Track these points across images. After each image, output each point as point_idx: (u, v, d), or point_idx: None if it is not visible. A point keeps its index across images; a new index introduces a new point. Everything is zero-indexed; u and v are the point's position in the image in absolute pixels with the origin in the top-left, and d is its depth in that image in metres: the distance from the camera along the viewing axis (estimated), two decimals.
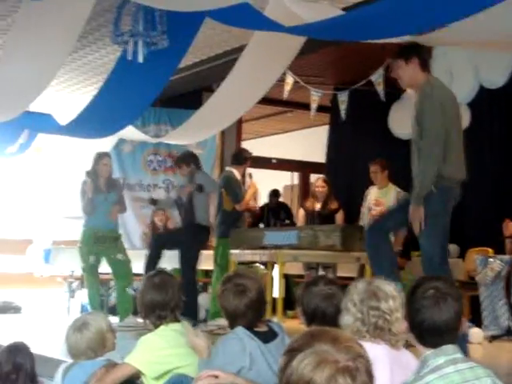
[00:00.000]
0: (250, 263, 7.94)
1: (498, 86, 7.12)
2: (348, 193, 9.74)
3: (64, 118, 7.33)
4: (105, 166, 7.49)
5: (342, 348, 1.48)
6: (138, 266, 7.52)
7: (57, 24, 5.42)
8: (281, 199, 10.36)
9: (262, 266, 8.18)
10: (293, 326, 6.04)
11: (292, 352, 1.51)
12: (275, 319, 6.02)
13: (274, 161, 12.42)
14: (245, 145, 10.54)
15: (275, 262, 7.27)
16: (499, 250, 7.13)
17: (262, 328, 3.13)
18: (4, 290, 9.42)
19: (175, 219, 8.85)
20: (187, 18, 5.19)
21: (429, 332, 2.34)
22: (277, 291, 7.31)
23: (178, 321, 3.56)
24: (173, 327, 3.50)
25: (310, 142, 12.17)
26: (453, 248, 7.94)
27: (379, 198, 7.63)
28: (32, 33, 5.48)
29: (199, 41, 6.47)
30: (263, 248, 6.98)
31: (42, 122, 7.81)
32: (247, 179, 7.97)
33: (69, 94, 9.90)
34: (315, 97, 8.15)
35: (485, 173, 8.13)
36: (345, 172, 10.24)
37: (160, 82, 6.41)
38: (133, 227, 9.94)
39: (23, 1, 5.40)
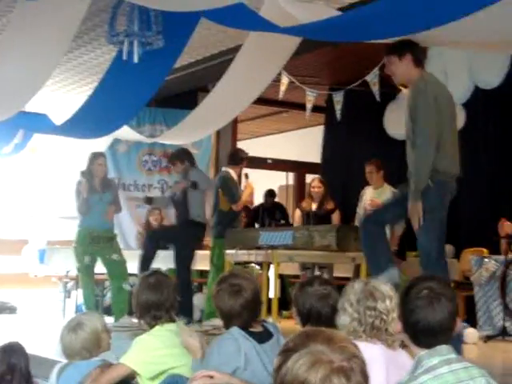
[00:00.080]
0: (246, 263, 7.94)
1: (493, 87, 7.13)
2: (343, 193, 9.76)
3: (59, 118, 7.33)
4: (100, 166, 7.48)
5: (337, 348, 1.48)
6: (134, 266, 7.51)
7: (52, 24, 5.41)
8: (276, 199, 10.36)
9: (257, 267, 8.18)
10: (288, 326, 6.05)
11: (287, 352, 1.51)
12: (270, 319, 6.03)
13: (269, 161, 12.42)
14: (240, 145, 10.54)
15: (270, 262, 7.27)
16: (494, 250, 7.14)
17: (257, 328, 3.12)
18: None
19: (170, 218, 8.84)
20: (182, 18, 5.19)
21: (423, 332, 2.34)
22: (272, 291, 7.31)
23: (173, 321, 3.56)
24: (168, 327, 3.50)
25: (305, 143, 12.17)
26: (448, 248, 7.94)
27: (375, 198, 7.63)
28: (27, 33, 5.47)
29: (194, 41, 6.47)
30: (258, 248, 6.98)
31: (37, 122, 7.81)
32: (243, 179, 7.97)
33: (64, 94, 9.89)
34: (310, 97, 8.16)
35: (480, 173, 8.14)
36: (340, 172, 10.24)
37: (155, 82, 6.41)
38: (128, 227, 9.93)
39: (18, 1, 5.39)
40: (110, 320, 7.20)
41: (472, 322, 6.69)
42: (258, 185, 8.20)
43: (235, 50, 6.52)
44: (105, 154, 7.97)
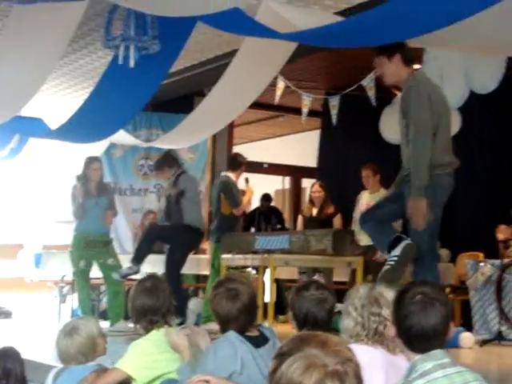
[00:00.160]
0: (242, 268, 7.94)
1: (489, 91, 7.15)
2: (339, 197, 9.76)
3: (55, 122, 7.32)
4: (95, 170, 7.48)
5: (331, 352, 1.48)
6: None
7: (48, 28, 5.41)
8: (272, 204, 10.37)
9: (253, 271, 8.17)
10: (284, 330, 6.04)
11: (281, 356, 1.51)
12: (266, 324, 6.02)
13: (265, 165, 12.42)
14: (236, 149, 10.54)
15: (267, 267, 7.26)
16: (491, 254, 7.15)
17: (254, 333, 3.13)
18: None
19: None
20: (179, 23, 5.19)
21: (416, 337, 2.34)
22: (268, 296, 7.30)
23: (169, 326, 3.55)
24: (164, 332, 3.49)
25: (301, 147, 12.19)
26: (444, 252, 7.98)
27: (371, 202, 7.64)
28: (23, 37, 5.47)
29: (190, 45, 6.47)
30: (255, 253, 6.98)
31: (32, 127, 7.79)
32: (243, 184, 7.98)
33: (60, 99, 9.88)
34: (306, 101, 8.18)
35: (475, 178, 8.16)
36: (336, 176, 10.25)
37: (151, 87, 6.40)
38: (124, 232, 9.91)
39: (14, 5, 5.39)
40: (105, 324, 7.20)
41: (468, 326, 6.69)
42: (254, 189, 8.22)
43: (231, 54, 6.53)
44: (100, 159, 7.97)
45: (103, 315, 8.16)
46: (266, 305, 7.10)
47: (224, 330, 3.11)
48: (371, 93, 7.50)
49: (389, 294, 2.87)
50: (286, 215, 11.89)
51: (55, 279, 9.11)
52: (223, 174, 7.92)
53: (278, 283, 8.55)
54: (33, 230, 10.41)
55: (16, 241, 10.35)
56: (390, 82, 4.73)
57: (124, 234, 9.91)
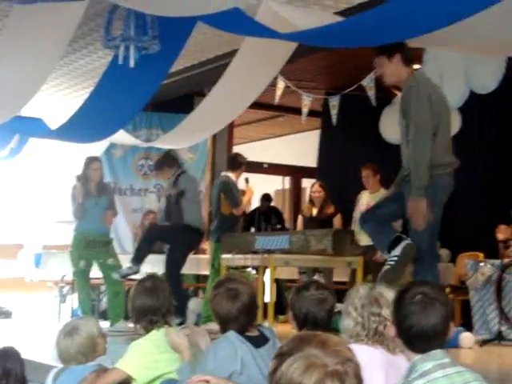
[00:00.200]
0: (242, 268, 7.94)
1: (489, 91, 7.15)
2: (339, 197, 9.76)
3: (55, 122, 7.32)
4: (95, 170, 7.49)
5: (331, 352, 1.48)
6: None
7: (48, 28, 5.41)
8: (272, 204, 10.37)
9: (253, 271, 8.18)
10: (284, 330, 6.04)
11: (281, 356, 1.51)
12: (266, 324, 6.03)
13: (265, 165, 12.42)
14: (236, 149, 10.54)
15: (267, 267, 7.26)
16: (491, 254, 7.15)
17: (254, 333, 3.13)
18: None
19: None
20: (179, 23, 5.19)
21: (416, 337, 2.34)
22: (268, 296, 7.30)
23: (169, 326, 3.55)
24: (164, 332, 3.49)
25: (301, 147, 12.19)
26: (444, 252, 7.98)
27: (371, 202, 7.64)
28: (23, 37, 5.47)
29: (190, 45, 6.47)
30: (255, 253, 6.98)
31: (32, 127, 7.79)
32: (243, 184, 7.99)
33: (60, 99, 9.88)
34: (306, 101, 8.18)
35: (475, 178, 8.16)
36: (336, 176, 10.25)
37: (151, 87, 6.40)
38: (124, 232, 9.91)
39: (14, 5, 5.39)
40: (105, 324, 7.20)
41: (468, 326, 6.69)
42: (254, 189, 8.22)
43: (231, 54, 6.53)
44: (100, 159, 7.96)
45: (103, 315, 8.16)
46: (266, 305, 7.10)
47: (224, 329, 3.11)
48: (371, 93, 7.50)
49: (389, 294, 2.87)
50: (286, 215, 11.89)
51: (55, 279, 9.11)
52: (223, 173, 7.92)
53: (278, 283, 8.55)
54: (33, 229, 10.41)
55: (16, 241, 10.35)
56: (389, 81, 4.73)
57: (124, 234, 9.91)
